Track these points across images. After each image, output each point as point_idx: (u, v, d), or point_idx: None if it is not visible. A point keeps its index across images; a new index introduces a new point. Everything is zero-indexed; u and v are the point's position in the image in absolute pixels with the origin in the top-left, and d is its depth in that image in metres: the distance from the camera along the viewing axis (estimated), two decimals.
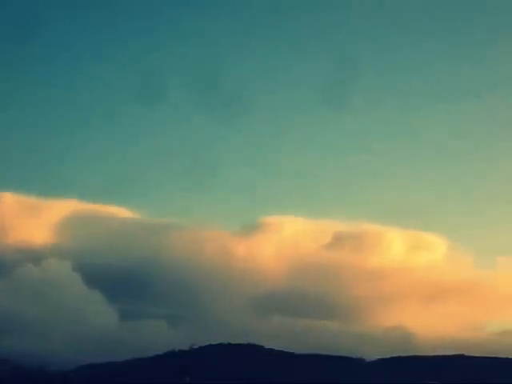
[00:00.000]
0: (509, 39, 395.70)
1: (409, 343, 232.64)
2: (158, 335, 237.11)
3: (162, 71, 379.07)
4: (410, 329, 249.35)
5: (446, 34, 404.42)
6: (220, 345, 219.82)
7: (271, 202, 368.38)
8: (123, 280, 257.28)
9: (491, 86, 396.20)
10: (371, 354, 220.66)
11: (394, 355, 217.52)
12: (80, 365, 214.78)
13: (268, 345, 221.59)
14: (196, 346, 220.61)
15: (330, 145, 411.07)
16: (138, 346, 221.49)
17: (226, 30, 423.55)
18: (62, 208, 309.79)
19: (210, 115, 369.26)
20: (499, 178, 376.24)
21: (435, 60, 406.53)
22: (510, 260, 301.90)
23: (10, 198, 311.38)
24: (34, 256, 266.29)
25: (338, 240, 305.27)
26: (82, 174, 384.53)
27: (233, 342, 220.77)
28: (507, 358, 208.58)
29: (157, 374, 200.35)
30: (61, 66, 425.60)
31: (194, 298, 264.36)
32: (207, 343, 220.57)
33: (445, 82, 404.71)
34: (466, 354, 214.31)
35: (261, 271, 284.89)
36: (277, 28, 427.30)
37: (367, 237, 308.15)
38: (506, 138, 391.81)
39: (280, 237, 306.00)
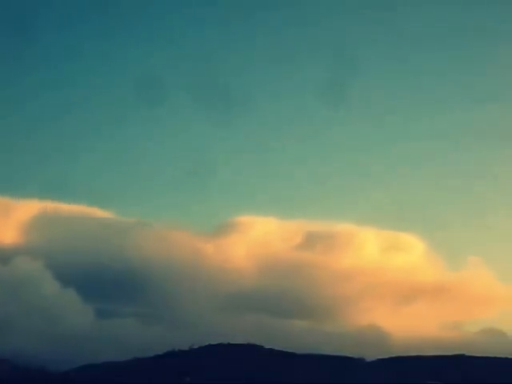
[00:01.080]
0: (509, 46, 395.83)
1: (383, 342, 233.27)
2: (133, 335, 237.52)
3: (162, 73, 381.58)
4: (384, 328, 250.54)
5: (447, 34, 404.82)
6: (220, 345, 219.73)
7: (243, 202, 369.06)
8: (97, 279, 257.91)
9: (488, 87, 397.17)
10: (361, 353, 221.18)
11: (394, 355, 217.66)
12: (80, 365, 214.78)
13: (267, 345, 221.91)
14: (196, 346, 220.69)
15: (303, 145, 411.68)
16: (113, 345, 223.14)
17: (226, 31, 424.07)
18: (31, 208, 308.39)
19: (197, 115, 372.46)
20: (475, 179, 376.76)
21: (435, 61, 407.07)
22: (482, 260, 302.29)
23: None
24: (3, 255, 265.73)
25: (310, 240, 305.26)
26: (54, 173, 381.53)
27: (232, 342, 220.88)
28: (507, 358, 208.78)
29: (157, 374, 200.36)
30: (61, 68, 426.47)
31: (167, 297, 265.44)
32: (206, 343, 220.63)
33: (444, 84, 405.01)
34: (467, 354, 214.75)
35: (232, 271, 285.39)
36: (277, 29, 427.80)
37: (340, 237, 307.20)
38: (484, 141, 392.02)
39: (251, 237, 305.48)
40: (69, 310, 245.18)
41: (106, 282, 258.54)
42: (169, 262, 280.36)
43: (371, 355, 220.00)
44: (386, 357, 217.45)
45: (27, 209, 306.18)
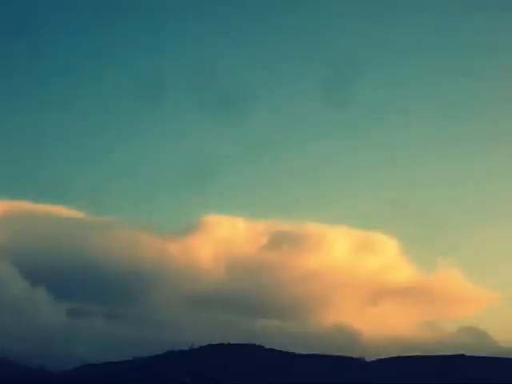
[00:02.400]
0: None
1: (352, 341, 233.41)
2: (101, 333, 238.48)
3: (162, 69, 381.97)
4: (354, 327, 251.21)
5: (447, 36, 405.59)
6: (220, 345, 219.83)
7: (211, 201, 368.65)
8: (68, 278, 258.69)
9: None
10: (364, 354, 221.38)
11: (394, 355, 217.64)
12: (80, 365, 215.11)
13: (268, 345, 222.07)
14: (196, 346, 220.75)
15: (272, 145, 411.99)
16: (85, 344, 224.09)
17: (226, 31, 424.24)
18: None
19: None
20: (449, 181, 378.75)
21: (435, 62, 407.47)
22: (454, 261, 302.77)
23: None
24: None
25: (278, 240, 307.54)
26: (23, 173, 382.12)
27: (232, 342, 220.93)
28: (507, 358, 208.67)
29: (157, 374, 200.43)
30: (60, 66, 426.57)
31: (135, 296, 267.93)
32: (207, 343, 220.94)
33: (444, 84, 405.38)
34: (466, 354, 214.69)
35: (199, 271, 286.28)
36: (277, 28, 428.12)
37: (309, 236, 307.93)
38: (465, 144, 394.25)
39: (218, 236, 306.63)
40: (40, 309, 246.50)
41: (76, 281, 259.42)
42: (136, 261, 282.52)
43: (369, 355, 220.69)
44: (386, 357, 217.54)
45: None
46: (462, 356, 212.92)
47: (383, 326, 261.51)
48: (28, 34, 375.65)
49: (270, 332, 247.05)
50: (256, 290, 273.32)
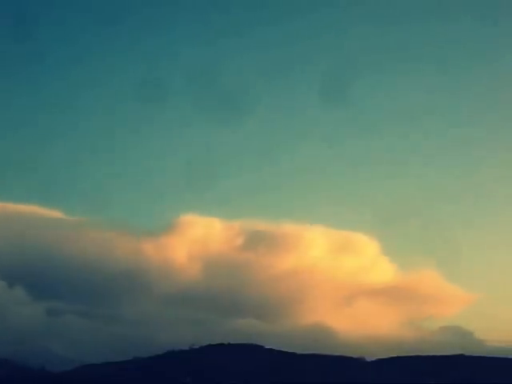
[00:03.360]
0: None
1: (329, 340, 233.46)
2: (78, 332, 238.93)
3: (163, 72, 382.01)
4: (331, 326, 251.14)
5: (447, 38, 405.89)
6: (220, 345, 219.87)
7: (187, 202, 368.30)
8: (46, 277, 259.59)
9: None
10: (365, 354, 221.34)
11: (394, 355, 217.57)
12: (80, 365, 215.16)
13: (268, 345, 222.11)
14: (196, 346, 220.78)
15: (247, 145, 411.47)
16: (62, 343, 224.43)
17: (228, 34, 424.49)
18: None
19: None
20: (428, 181, 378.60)
21: (435, 62, 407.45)
22: (433, 261, 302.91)
23: None
24: None
25: (254, 240, 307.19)
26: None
27: (233, 342, 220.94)
28: (507, 358, 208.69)
29: (157, 374, 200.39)
30: (61, 66, 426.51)
31: (110, 296, 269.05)
32: (207, 343, 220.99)
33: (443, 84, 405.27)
34: (466, 354, 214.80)
35: (175, 270, 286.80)
36: (277, 29, 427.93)
37: (286, 236, 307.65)
38: (450, 145, 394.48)
39: (194, 237, 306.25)
40: (18, 308, 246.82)
41: (54, 280, 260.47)
42: (111, 261, 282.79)
43: (370, 355, 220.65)
44: (386, 357, 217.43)
45: None
46: (462, 356, 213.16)
47: (362, 325, 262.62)
48: (28, 34, 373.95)
49: (247, 331, 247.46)
50: (232, 289, 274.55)
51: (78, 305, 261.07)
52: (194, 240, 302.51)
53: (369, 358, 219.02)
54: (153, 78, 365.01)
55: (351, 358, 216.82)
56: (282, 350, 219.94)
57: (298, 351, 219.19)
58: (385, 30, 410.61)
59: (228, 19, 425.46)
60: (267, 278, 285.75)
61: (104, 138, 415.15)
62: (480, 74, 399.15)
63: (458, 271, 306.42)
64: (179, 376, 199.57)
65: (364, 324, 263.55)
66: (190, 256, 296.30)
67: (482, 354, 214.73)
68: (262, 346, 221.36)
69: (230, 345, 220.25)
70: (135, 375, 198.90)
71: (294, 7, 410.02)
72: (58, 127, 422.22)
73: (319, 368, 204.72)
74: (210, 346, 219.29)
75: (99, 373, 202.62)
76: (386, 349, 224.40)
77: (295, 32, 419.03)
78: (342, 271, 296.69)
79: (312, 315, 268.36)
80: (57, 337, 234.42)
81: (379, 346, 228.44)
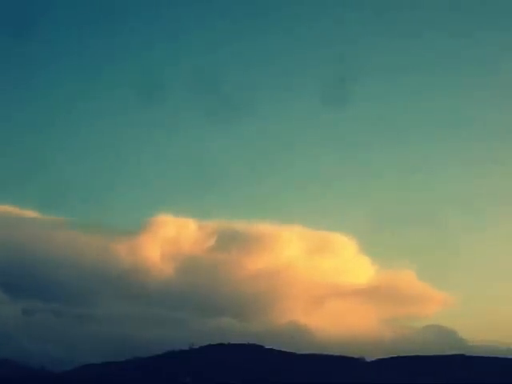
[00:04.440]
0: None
1: (305, 339, 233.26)
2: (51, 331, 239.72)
3: (162, 72, 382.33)
4: (307, 326, 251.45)
5: (447, 38, 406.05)
6: (220, 345, 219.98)
7: (160, 202, 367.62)
8: (21, 278, 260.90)
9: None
10: (367, 353, 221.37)
11: (394, 355, 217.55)
12: (80, 365, 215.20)
13: (268, 345, 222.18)
14: (196, 346, 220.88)
15: (221, 145, 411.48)
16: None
17: (228, 33, 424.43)
18: None
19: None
20: (407, 182, 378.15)
21: (435, 62, 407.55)
22: (410, 262, 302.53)
23: None
24: None
25: (229, 239, 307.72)
26: None
27: (233, 342, 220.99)
28: (507, 358, 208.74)
29: (157, 374, 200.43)
30: (61, 68, 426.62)
31: (86, 294, 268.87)
32: (207, 343, 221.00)
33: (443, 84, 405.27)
34: (466, 354, 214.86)
35: (148, 270, 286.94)
36: (278, 30, 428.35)
37: (261, 236, 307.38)
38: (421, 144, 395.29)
39: (168, 236, 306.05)
40: None
41: (30, 280, 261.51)
42: (85, 261, 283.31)
43: (371, 355, 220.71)
44: (386, 357, 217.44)
45: None
46: (462, 356, 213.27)
47: (339, 324, 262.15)
48: (28, 34, 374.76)
49: (222, 330, 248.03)
50: (206, 289, 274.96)
51: (53, 304, 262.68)
52: (168, 240, 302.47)
53: (369, 358, 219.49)
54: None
55: (351, 358, 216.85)
56: (282, 350, 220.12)
57: (298, 351, 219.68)
58: (385, 27, 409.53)
59: (228, 22, 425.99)
60: (241, 277, 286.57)
61: (78, 138, 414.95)
62: (482, 77, 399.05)
63: (436, 271, 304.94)
64: (179, 376, 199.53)
65: (341, 323, 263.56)
66: (163, 256, 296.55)
67: (481, 354, 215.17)
68: (261, 346, 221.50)
69: (230, 345, 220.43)
70: (135, 375, 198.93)
71: (294, 11, 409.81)
72: (31, 125, 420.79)
73: (319, 368, 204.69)
74: (209, 346, 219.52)
75: (99, 373, 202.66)
76: (366, 348, 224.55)
77: (295, 35, 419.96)
78: (319, 271, 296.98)
79: (287, 314, 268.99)
80: (32, 335, 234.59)
81: (358, 345, 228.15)
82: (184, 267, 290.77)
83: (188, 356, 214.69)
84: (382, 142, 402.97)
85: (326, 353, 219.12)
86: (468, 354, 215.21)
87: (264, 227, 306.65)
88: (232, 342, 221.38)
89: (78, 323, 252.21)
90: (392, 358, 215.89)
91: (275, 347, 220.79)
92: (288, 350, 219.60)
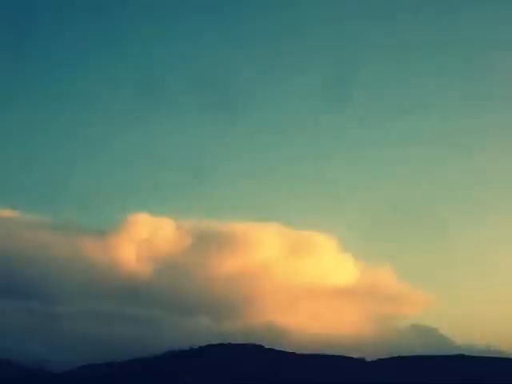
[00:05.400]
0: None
1: (281, 338, 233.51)
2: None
3: (162, 71, 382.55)
4: (286, 325, 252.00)
5: (447, 38, 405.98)
6: (220, 345, 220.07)
7: (136, 201, 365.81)
8: None
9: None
10: (368, 353, 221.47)
11: (394, 355, 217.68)
12: (80, 365, 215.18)
13: (268, 345, 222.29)
14: (196, 346, 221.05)
15: (198, 145, 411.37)
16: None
17: (227, 33, 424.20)
18: None
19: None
20: (388, 181, 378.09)
21: (435, 61, 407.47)
22: (391, 262, 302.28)
23: None
24: None
25: (206, 239, 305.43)
26: None
27: (233, 342, 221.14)
28: (507, 359, 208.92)
29: (157, 374, 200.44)
30: (60, 64, 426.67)
31: (58, 294, 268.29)
32: (206, 343, 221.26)
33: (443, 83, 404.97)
34: (466, 354, 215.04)
35: (123, 269, 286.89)
36: (278, 30, 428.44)
37: (239, 235, 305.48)
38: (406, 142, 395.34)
39: (144, 236, 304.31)
40: None
41: (3, 279, 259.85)
42: (59, 260, 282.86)
43: (371, 355, 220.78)
44: (386, 357, 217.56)
45: None
46: (462, 356, 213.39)
47: (319, 323, 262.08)
48: (27, 33, 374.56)
49: (199, 330, 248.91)
50: (182, 289, 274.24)
51: (26, 302, 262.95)
52: (143, 239, 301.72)
53: (369, 358, 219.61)
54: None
55: (351, 358, 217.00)
56: (282, 350, 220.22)
57: (298, 351, 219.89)
58: (386, 28, 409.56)
59: (226, 18, 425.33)
60: (218, 277, 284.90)
61: (53, 136, 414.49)
62: (483, 72, 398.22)
63: (418, 271, 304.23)
64: (179, 376, 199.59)
65: (321, 323, 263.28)
66: (138, 255, 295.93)
67: (483, 355, 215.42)
68: (261, 346, 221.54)
69: (229, 345, 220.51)
70: (135, 375, 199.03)
71: (293, 6, 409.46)
72: (9, 125, 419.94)
73: (319, 368, 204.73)
74: (209, 346, 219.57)
75: (99, 373, 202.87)
76: (348, 348, 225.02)
77: (294, 30, 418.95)
78: (298, 270, 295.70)
79: (265, 314, 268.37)
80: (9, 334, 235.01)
81: (340, 345, 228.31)
82: (160, 266, 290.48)
83: (188, 356, 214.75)
84: (365, 142, 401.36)
85: (325, 353, 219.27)
86: (468, 354, 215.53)
87: (242, 226, 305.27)
88: (232, 342, 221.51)
89: (51, 321, 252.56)
90: (392, 357, 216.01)
91: (275, 347, 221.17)
92: (288, 350, 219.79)
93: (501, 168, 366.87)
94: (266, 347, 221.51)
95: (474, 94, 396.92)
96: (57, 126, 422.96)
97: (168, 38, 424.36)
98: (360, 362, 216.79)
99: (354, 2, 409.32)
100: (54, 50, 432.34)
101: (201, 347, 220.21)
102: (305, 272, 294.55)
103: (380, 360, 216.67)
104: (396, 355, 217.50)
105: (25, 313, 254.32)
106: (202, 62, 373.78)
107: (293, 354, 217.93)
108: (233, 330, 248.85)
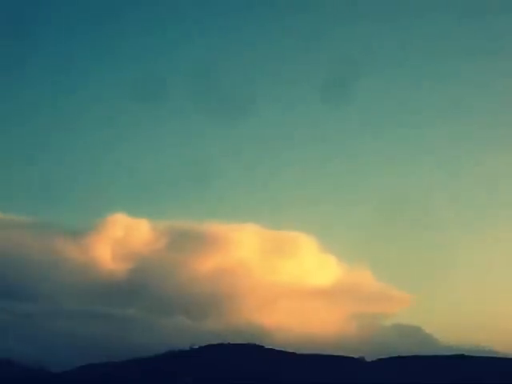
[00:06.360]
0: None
1: (262, 338, 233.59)
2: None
3: (162, 71, 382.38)
4: (264, 326, 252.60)
5: (447, 39, 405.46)
6: (220, 345, 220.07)
7: (112, 201, 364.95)
8: None
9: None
10: (369, 353, 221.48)
11: (394, 355, 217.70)
12: (80, 365, 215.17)
13: (268, 344, 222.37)
14: (196, 346, 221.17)
15: (175, 145, 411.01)
16: None
17: (227, 33, 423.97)
18: None
19: None
20: (368, 180, 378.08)
21: (435, 60, 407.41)
22: (368, 261, 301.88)
23: None
24: None
25: (182, 239, 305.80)
26: None
27: (233, 342, 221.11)
28: (506, 359, 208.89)
29: (157, 374, 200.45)
30: (60, 66, 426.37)
31: (33, 293, 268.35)
32: (207, 343, 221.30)
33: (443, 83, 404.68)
34: (466, 354, 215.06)
35: (99, 270, 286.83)
36: (278, 30, 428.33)
37: (216, 236, 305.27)
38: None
39: (120, 236, 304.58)
40: None
41: None
42: (35, 260, 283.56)
43: (371, 355, 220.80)
44: (386, 357, 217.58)
45: None
46: (462, 356, 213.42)
47: (299, 323, 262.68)
48: (24, 33, 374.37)
49: (174, 329, 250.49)
50: (157, 288, 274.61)
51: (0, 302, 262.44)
52: (120, 240, 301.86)
53: (369, 358, 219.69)
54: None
55: (351, 358, 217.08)
56: (282, 350, 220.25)
57: (298, 351, 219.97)
58: (387, 29, 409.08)
59: (228, 17, 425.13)
60: (194, 277, 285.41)
61: (29, 137, 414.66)
62: (483, 73, 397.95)
63: (399, 271, 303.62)
64: (179, 376, 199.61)
65: (300, 322, 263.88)
66: (114, 256, 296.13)
67: (481, 355, 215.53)
68: (262, 346, 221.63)
69: (229, 345, 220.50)
70: (135, 375, 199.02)
71: (295, 5, 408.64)
72: None
73: (319, 368, 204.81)
74: (209, 346, 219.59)
75: (99, 373, 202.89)
76: (329, 347, 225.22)
77: (296, 31, 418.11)
78: (276, 270, 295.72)
79: (242, 314, 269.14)
80: None
81: (321, 345, 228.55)
82: (135, 267, 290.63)
83: (188, 356, 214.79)
84: (344, 140, 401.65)
85: (325, 353, 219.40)
86: (468, 354, 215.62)
87: (218, 227, 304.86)
88: (232, 342, 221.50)
89: (25, 320, 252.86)
90: (392, 358, 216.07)
91: (275, 347, 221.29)
92: (288, 350, 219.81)
93: (483, 167, 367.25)
94: (266, 347, 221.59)
95: (473, 95, 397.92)
96: (31, 127, 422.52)
97: (170, 40, 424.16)
98: (360, 361, 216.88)
99: (357, 5, 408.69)
100: (55, 53, 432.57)
101: (201, 347, 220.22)
102: (284, 272, 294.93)
103: (380, 360, 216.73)
104: (396, 355, 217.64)
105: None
106: (203, 64, 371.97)
107: (293, 354, 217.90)
108: (210, 329, 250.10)
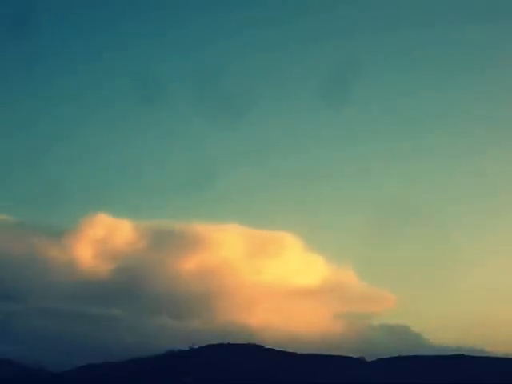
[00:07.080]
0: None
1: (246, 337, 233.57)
2: None
3: (163, 72, 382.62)
4: (246, 324, 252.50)
5: (447, 39, 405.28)
6: (220, 345, 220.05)
7: (94, 201, 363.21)
8: None
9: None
10: (370, 353, 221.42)
11: (394, 355, 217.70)
12: (80, 365, 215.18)
13: (268, 344, 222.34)
14: (196, 346, 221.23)
15: (158, 145, 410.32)
16: None
17: (227, 33, 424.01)
18: None
19: None
20: (352, 179, 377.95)
21: (435, 61, 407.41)
22: (352, 262, 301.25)
23: None
24: None
25: (166, 240, 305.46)
26: None
27: (233, 342, 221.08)
28: (506, 359, 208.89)
29: (157, 374, 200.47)
30: (60, 67, 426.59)
31: (16, 293, 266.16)
32: (207, 343, 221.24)
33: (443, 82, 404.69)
34: (466, 354, 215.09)
35: (81, 270, 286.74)
36: (277, 30, 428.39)
37: (199, 236, 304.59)
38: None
39: (102, 237, 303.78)
40: None
41: None
42: (16, 260, 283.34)
43: (371, 355, 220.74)
44: (386, 357, 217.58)
45: None
46: (462, 356, 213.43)
47: (284, 322, 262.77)
48: (27, 34, 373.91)
49: (158, 329, 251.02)
50: (140, 288, 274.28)
51: None
52: (102, 240, 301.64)
53: (369, 358, 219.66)
54: None
55: (351, 358, 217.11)
56: (282, 350, 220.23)
57: (298, 351, 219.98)
58: (388, 31, 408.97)
59: (228, 19, 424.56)
60: (177, 277, 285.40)
61: (9, 135, 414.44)
62: (483, 76, 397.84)
63: (384, 271, 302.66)
64: (179, 376, 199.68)
65: (287, 321, 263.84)
66: (96, 256, 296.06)
67: (480, 355, 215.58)
68: (261, 346, 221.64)
69: (229, 345, 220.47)
70: (135, 375, 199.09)
71: (295, 8, 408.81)
72: None
73: (319, 368, 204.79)
74: (210, 346, 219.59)
75: (99, 373, 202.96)
76: (315, 346, 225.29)
77: (296, 33, 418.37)
78: (260, 270, 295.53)
79: (226, 314, 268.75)
80: None
81: (307, 344, 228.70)
82: (118, 266, 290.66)
83: (188, 356, 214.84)
84: (327, 141, 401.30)
85: (326, 353, 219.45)
86: (467, 354, 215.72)
87: (201, 227, 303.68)
88: (232, 342, 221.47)
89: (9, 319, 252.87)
90: (392, 358, 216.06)
91: (275, 347, 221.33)
92: (288, 350, 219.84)
93: (483, 167, 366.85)
94: (266, 347, 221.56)
95: (477, 95, 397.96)
96: (13, 126, 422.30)
97: (171, 44, 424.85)
98: (360, 361, 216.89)
99: (358, 9, 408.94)
100: (56, 56, 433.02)
101: (201, 347, 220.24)
102: (268, 271, 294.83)
103: (380, 360, 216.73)
104: (396, 355, 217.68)
105: None
106: (204, 67, 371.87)
107: (293, 354, 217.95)
108: (195, 329, 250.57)
